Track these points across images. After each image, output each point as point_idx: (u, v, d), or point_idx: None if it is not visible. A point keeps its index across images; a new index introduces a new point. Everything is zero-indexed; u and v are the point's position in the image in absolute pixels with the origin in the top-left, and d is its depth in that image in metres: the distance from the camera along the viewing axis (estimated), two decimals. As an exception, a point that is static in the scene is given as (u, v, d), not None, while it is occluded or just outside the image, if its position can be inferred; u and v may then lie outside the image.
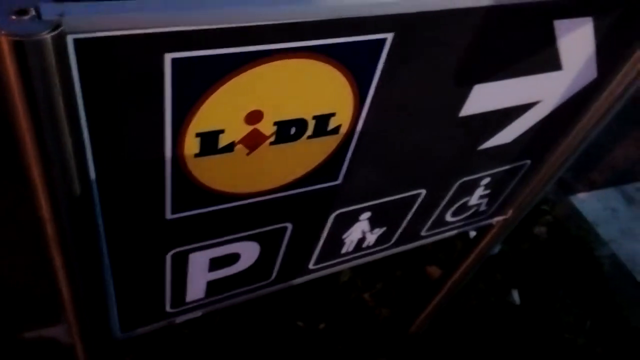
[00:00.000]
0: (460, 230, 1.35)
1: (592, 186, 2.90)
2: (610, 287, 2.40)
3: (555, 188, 2.76)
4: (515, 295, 2.24)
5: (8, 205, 1.99)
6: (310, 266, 1.12)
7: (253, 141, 0.72)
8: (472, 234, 2.32)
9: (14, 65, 0.48)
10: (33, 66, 0.49)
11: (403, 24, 0.68)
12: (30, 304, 1.70)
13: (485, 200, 1.27)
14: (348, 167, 0.88)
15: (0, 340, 1.62)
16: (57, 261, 0.71)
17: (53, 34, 0.48)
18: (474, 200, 1.23)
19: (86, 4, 0.50)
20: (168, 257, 0.85)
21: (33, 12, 0.47)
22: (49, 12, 0.48)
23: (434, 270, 2.19)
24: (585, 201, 2.78)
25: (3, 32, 0.46)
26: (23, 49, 0.47)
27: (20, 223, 1.93)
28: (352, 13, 0.64)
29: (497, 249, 2.37)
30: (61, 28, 0.48)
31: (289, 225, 0.95)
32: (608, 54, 0.96)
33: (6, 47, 0.47)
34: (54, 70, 0.50)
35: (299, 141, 0.77)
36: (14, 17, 0.47)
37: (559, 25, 0.84)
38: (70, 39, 0.50)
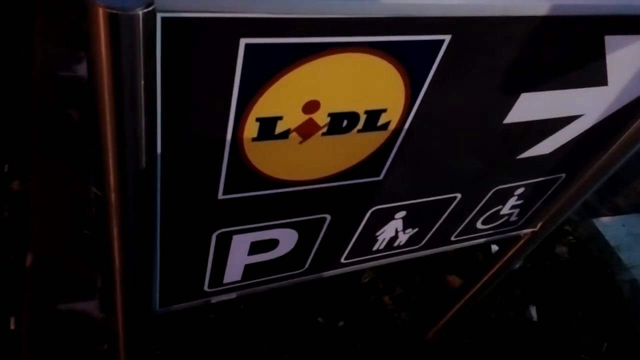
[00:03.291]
0: (489, 239, 1.37)
1: (616, 210, 2.88)
2: (629, 311, 2.38)
3: (579, 209, 2.75)
4: (533, 311, 2.24)
5: (49, 184, 2.05)
6: (342, 260, 1.14)
7: (307, 130, 0.75)
8: (494, 248, 2.34)
9: (106, 36, 0.52)
10: (123, 39, 0.52)
11: (462, 27, 0.71)
12: (65, 279, 1.75)
13: (516, 211, 1.28)
14: (391, 164, 0.90)
15: (34, 311, 1.67)
16: (114, 231, 0.74)
17: (145, 10, 0.51)
18: (505, 209, 1.25)
19: (177, -15, 0.54)
20: (214, 237, 0.88)
21: (129, -12, 0.51)
22: (144, -11, 0.51)
23: (454, 280, 2.20)
24: (609, 225, 2.76)
25: (101, 4, 0.50)
26: (117, 22, 0.51)
27: (60, 201, 1.99)
28: (416, 12, 0.66)
29: (517, 264, 2.37)
30: (153, 6, 0.52)
31: (328, 217, 0.98)
32: (653, 73, 0.98)
33: (101, 19, 0.50)
34: (140, 45, 0.54)
35: (348, 134, 0.80)
36: (111, -9, 0.50)
37: (610, 40, 0.86)
38: (159, 17, 0.54)
